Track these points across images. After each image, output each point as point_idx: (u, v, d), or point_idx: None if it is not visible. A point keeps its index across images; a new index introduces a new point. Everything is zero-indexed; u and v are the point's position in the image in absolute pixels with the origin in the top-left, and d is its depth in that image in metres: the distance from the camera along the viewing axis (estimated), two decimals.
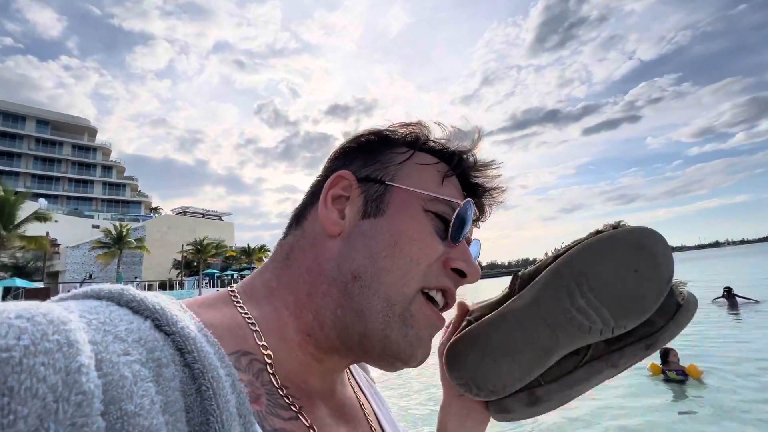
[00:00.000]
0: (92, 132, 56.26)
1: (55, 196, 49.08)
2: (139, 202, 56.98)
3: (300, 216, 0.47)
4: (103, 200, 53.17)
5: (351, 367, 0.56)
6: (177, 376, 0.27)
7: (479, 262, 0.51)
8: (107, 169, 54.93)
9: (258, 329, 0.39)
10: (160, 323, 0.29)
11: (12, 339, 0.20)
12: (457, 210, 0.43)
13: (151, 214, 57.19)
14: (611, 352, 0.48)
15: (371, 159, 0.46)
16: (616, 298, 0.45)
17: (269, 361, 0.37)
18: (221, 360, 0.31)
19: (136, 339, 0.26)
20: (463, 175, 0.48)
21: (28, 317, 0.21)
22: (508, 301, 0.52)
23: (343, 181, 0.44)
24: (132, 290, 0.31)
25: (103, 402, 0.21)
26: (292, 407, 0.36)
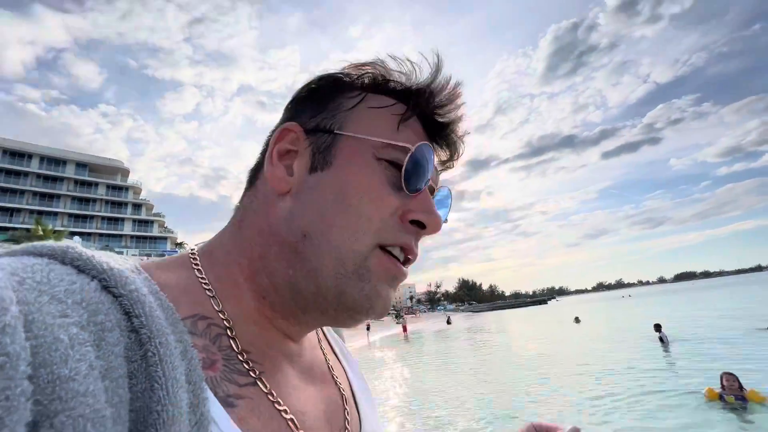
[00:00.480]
0: (125, 173, 59.78)
1: (89, 234, 51.63)
2: (165, 238, 59.04)
3: (253, 175, 0.44)
4: (132, 237, 55.49)
5: (325, 331, 0.55)
6: (122, 341, 0.26)
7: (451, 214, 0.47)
8: (137, 207, 57.82)
9: (215, 294, 0.38)
10: (108, 284, 0.27)
11: None
12: (409, 155, 0.39)
13: (176, 249, 58.92)
14: None
15: (320, 107, 0.42)
16: None
17: (228, 325, 0.36)
18: (173, 325, 0.29)
19: (77, 300, 0.25)
20: (424, 114, 0.42)
21: None
22: None
23: (290, 135, 0.41)
24: (78, 247, 0.29)
25: (31, 365, 0.20)
26: (251, 373, 0.35)
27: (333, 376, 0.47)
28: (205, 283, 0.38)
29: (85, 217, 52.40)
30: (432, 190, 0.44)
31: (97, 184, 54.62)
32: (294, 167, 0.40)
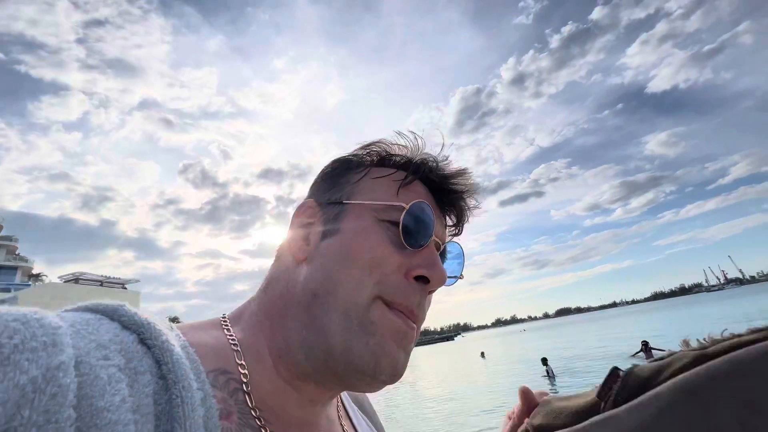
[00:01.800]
0: None
1: None
2: (15, 268, 46.88)
3: (278, 248, 0.49)
4: None
5: (347, 406, 0.56)
6: (151, 384, 0.30)
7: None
8: None
9: (239, 349, 0.41)
10: (145, 337, 0.32)
11: (5, 338, 0.23)
12: (404, 212, 0.42)
13: (29, 282, 47.15)
14: None
15: (333, 184, 0.48)
16: None
17: (245, 380, 0.38)
18: (197, 375, 0.33)
19: (117, 348, 0.29)
20: (430, 180, 0.47)
21: (24, 321, 0.25)
22: (599, 416, 0.34)
23: (307, 210, 0.47)
24: (127, 307, 0.33)
25: (77, 396, 0.24)
26: (262, 430, 0.37)
27: None
28: (232, 341, 0.41)
29: None
30: (438, 247, 0.47)
31: None
32: (310, 237, 0.45)
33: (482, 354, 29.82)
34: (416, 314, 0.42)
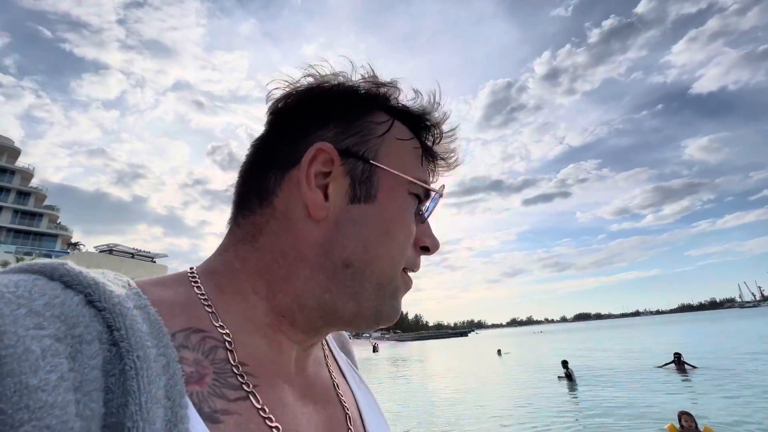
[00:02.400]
0: (13, 153, 50.24)
1: None
2: (56, 236, 49.91)
3: (263, 190, 0.41)
4: (10, 230, 45.81)
5: (332, 349, 0.55)
6: (100, 354, 0.25)
7: None
8: (23, 195, 48.34)
9: (214, 310, 0.37)
10: (93, 298, 0.28)
11: None
12: (434, 196, 0.45)
13: (68, 250, 50.20)
14: None
15: (349, 126, 0.42)
16: None
17: (227, 339, 0.35)
18: (158, 338, 0.29)
19: (55, 314, 0.25)
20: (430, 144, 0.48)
21: None
22: None
23: (323, 155, 0.40)
24: (69, 264, 0.29)
25: None
26: (244, 387, 0.34)
27: (338, 395, 0.46)
28: (204, 299, 0.37)
29: None
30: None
31: None
32: (330, 192, 0.40)
33: (499, 352, 29.42)
34: (416, 270, 0.45)
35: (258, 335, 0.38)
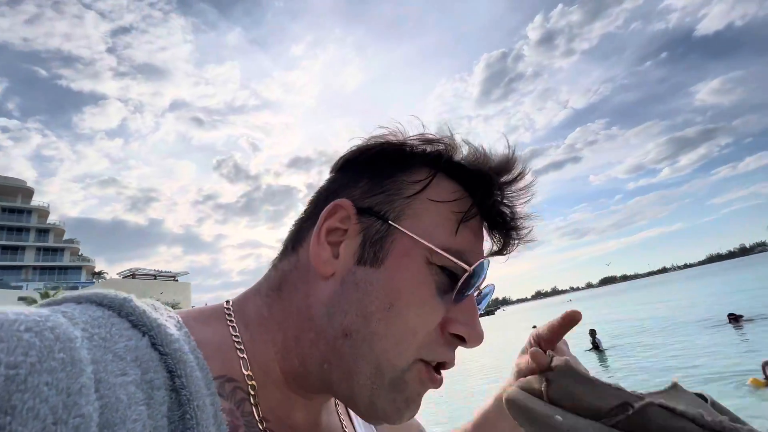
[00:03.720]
0: (27, 193, 51.36)
1: None
2: (80, 267, 51.11)
3: (297, 239, 0.41)
4: (35, 268, 47.08)
5: None
6: (166, 400, 0.26)
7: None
8: (43, 232, 49.52)
9: (245, 356, 0.37)
10: (156, 341, 0.28)
11: (20, 355, 0.20)
12: (466, 275, 0.36)
13: (93, 280, 51.30)
14: None
15: (377, 185, 0.39)
16: None
17: (252, 393, 0.35)
18: (208, 387, 0.30)
19: (133, 358, 0.26)
20: (490, 213, 0.40)
21: (37, 332, 0.21)
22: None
23: (341, 211, 0.38)
24: (135, 302, 0.30)
25: (98, 425, 0.21)
26: None
27: None
28: (238, 343, 0.37)
29: None
30: (478, 292, 0.42)
31: None
32: (340, 250, 0.38)
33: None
34: (453, 364, 0.38)
35: (275, 389, 0.38)
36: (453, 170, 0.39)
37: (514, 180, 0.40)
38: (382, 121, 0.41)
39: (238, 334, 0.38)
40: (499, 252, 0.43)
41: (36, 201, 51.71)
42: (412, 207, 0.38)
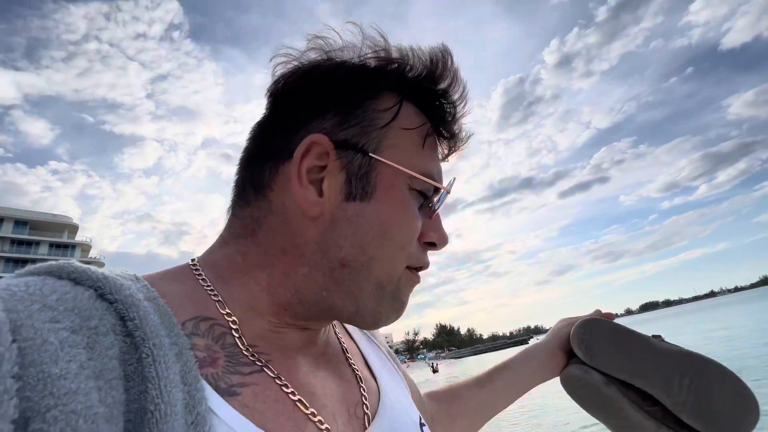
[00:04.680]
0: (73, 229, 54.81)
1: None
2: None
3: (258, 182, 0.40)
4: None
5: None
6: (116, 344, 0.26)
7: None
8: None
9: (220, 299, 0.37)
10: (104, 292, 0.28)
11: None
12: (442, 193, 0.42)
13: None
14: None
15: (349, 116, 0.39)
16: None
17: (234, 326, 0.36)
18: (169, 328, 0.30)
19: (68, 308, 0.26)
20: (442, 123, 0.44)
21: None
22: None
23: (317, 148, 0.38)
24: (75, 263, 0.30)
25: (18, 365, 0.21)
26: (257, 362, 0.35)
27: (347, 358, 0.47)
28: (210, 290, 0.37)
29: None
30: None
31: (38, 243, 49.38)
32: (324, 188, 0.38)
33: None
34: (428, 266, 0.43)
35: (263, 321, 0.38)
36: (412, 91, 0.41)
37: (460, 94, 0.43)
38: None
39: (209, 284, 0.38)
40: (447, 156, 0.47)
41: (80, 237, 55.13)
42: (388, 137, 0.39)
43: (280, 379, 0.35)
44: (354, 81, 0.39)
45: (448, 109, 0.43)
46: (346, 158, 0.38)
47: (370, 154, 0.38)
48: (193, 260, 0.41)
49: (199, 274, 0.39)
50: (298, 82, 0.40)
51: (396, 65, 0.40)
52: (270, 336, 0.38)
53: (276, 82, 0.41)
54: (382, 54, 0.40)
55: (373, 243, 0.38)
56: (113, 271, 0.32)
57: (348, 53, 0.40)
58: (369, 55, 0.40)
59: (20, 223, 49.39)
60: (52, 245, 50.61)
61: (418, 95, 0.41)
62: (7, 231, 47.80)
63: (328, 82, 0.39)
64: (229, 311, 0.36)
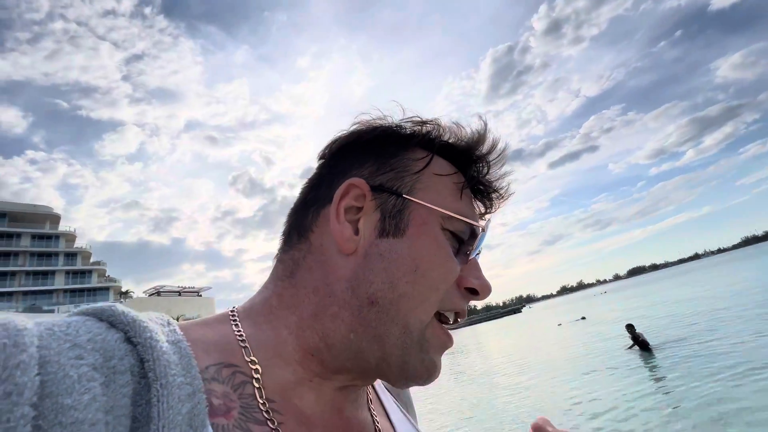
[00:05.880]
0: (55, 219, 53.05)
1: (10, 294, 44.34)
2: (107, 288, 52.26)
3: (302, 227, 0.42)
4: (65, 291, 48.44)
5: (377, 390, 0.52)
6: (131, 384, 0.27)
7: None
8: (71, 256, 50.94)
9: (247, 345, 0.37)
10: (130, 335, 0.30)
11: None
12: (480, 235, 0.43)
13: (121, 300, 52.48)
14: None
15: (385, 164, 0.42)
16: None
17: (256, 376, 0.35)
18: (186, 369, 0.30)
19: (96, 348, 0.27)
20: (478, 181, 0.45)
21: None
22: None
23: (355, 190, 0.40)
24: (117, 307, 0.31)
25: (37, 395, 0.23)
26: (269, 423, 0.34)
27: None
28: (239, 336, 0.38)
29: (4, 275, 44.95)
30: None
31: (19, 235, 47.52)
32: (360, 226, 0.40)
33: (560, 326, 27.40)
34: (465, 317, 0.42)
35: (287, 371, 0.38)
36: (444, 149, 0.43)
37: (492, 150, 0.44)
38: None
39: (240, 329, 0.38)
40: (487, 212, 0.48)
41: (63, 226, 53.41)
42: (421, 181, 0.41)
43: None
44: (390, 137, 0.43)
45: (482, 165, 0.44)
46: (381, 199, 0.40)
47: (404, 195, 0.40)
48: (233, 309, 0.42)
49: (234, 320, 0.39)
50: (342, 143, 0.44)
51: (431, 126, 0.43)
52: (290, 392, 0.37)
53: (323, 149, 0.45)
54: (417, 119, 0.43)
55: (404, 279, 0.37)
56: (148, 315, 0.33)
57: (387, 121, 0.43)
58: (404, 120, 0.43)
59: None
60: (34, 236, 48.88)
61: (449, 153, 0.44)
62: None
63: (367, 140, 0.43)
64: (253, 358, 0.36)
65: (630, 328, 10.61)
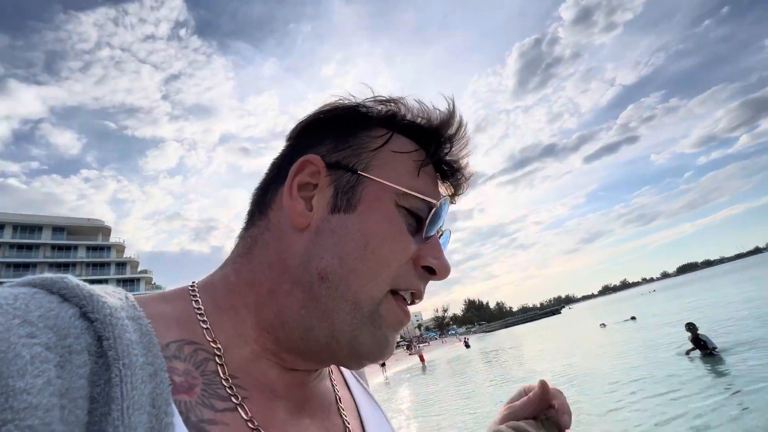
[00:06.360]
0: (106, 231, 57.19)
1: None
2: None
3: (262, 204, 0.43)
4: None
5: (342, 369, 0.52)
6: (88, 364, 0.26)
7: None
8: (121, 265, 54.73)
9: (208, 325, 0.37)
10: (87, 310, 0.28)
11: None
12: (434, 210, 0.41)
13: None
14: None
15: (343, 142, 0.42)
16: None
17: (218, 353, 0.35)
18: (147, 348, 0.29)
19: (49, 325, 0.26)
20: (440, 159, 0.45)
21: None
22: None
23: (310, 167, 0.40)
24: (69, 278, 0.30)
25: None
26: (232, 399, 0.34)
27: (339, 408, 0.45)
28: (200, 313, 0.37)
29: None
30: (439, 233, 0.45)
31: (76, 247, 51.91)
32: (314, 202, 0.40)
33: (603, 326, 25.80)
34: (422, 297, 0.42)
35: (248, 350, 0.38)
36: (406, 128, 0.43)
37: (457, 132, 0.44)
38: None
39: (201, 307, 0.38)
40: (452, 196, 0.47)
41: (114, 238, 57.54)
42: (378, 158, 0.41)
43: (253, 423, 0.34)
44: (351, 116, 0.43)
45: (445, 145, 0.44)
46: (335, 176, 0.40)
47: (359, 172, 0.40)
48: (193, 283, 0.42)
49: (194, 296, 0.39)
50: (305, 124, 0.44)
51: (393, 105, 0.43)
52: (252, 368, 0.37)
53: (291, 132, 0.45)
54: (380, 98, 0.43)
55: (353, 254, 0.37)
56: (104, 289, 0.32)
57: (344, 102, 0.43)
58: (368, 99, 0.43)
59: (58, 229, 51.92)
60: (89, 248, 53.10)
61: (412, 130, 0.43)
62: (47, 238, 50.40)
63: (328, 119, 0.43)
64: (214, 338, 0.36)
65: (691, 327, 9.23)
